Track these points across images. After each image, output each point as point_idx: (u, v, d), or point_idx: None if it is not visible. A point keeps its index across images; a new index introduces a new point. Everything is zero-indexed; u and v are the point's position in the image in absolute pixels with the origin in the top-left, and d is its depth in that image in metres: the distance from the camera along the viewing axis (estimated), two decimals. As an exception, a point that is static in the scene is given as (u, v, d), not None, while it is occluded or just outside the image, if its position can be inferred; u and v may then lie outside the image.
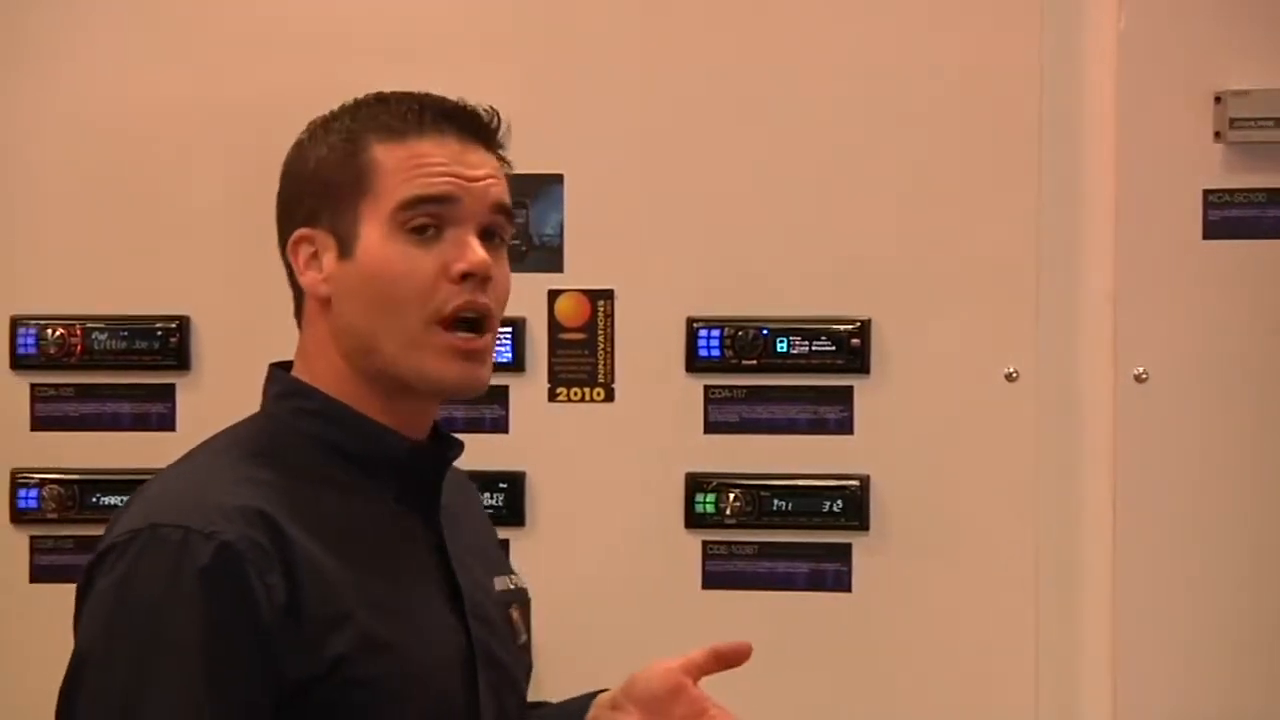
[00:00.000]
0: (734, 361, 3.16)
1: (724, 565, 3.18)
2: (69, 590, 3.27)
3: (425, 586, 1.84)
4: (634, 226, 3.17)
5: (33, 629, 3.23)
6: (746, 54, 3.14)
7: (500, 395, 3.16)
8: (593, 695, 2.02)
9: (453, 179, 1.80)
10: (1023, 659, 3.11)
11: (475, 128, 1.83)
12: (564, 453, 3.19)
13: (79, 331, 3.24)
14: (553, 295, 3.17)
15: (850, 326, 3.14)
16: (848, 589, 3.15)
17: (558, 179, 3.13)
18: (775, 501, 3.15)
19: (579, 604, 3.16)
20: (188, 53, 3.21)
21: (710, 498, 3.16)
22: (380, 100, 1.86)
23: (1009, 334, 3.11)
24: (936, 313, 3.12)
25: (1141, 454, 3.11)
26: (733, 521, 3.16)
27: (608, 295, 3.19)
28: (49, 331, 3.24)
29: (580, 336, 3.19)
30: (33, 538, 3.26)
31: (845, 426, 3.15)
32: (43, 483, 3.25)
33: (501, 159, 1.86)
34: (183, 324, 3.23)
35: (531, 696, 2.01)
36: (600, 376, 3.19)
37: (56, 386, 3.26)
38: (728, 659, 1.96)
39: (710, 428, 3.17)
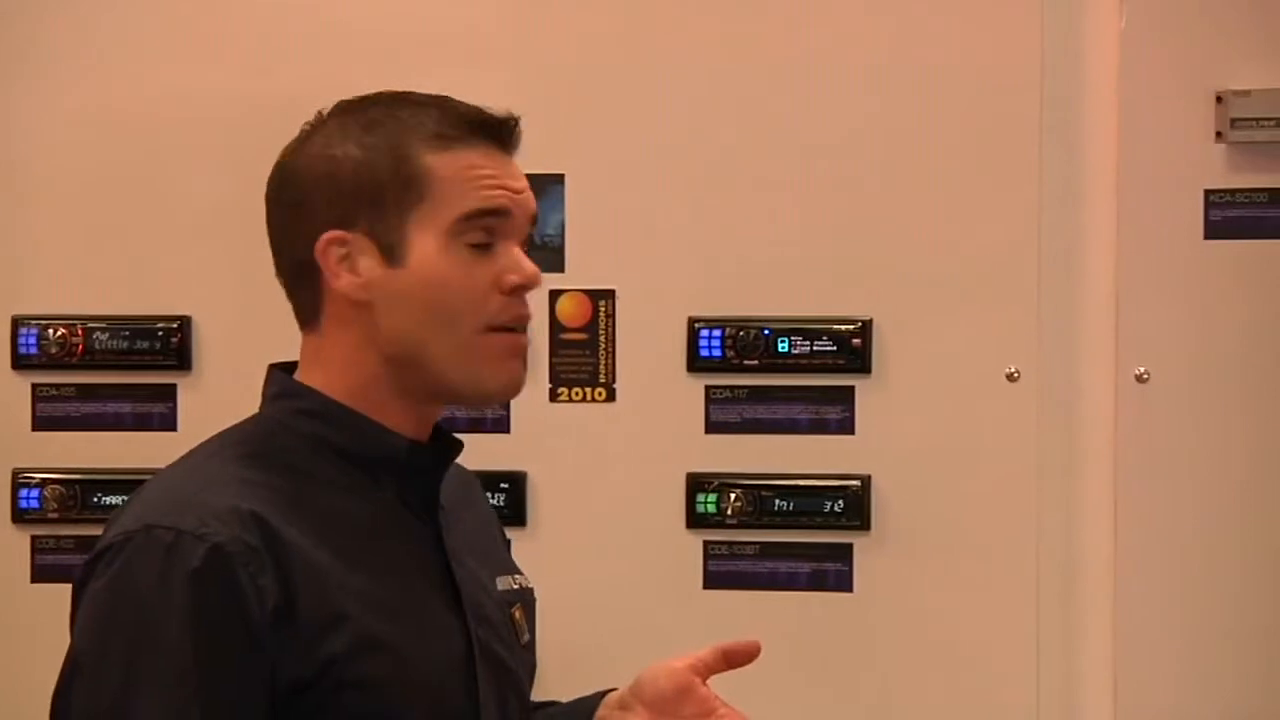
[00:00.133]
0: (735, 361, 3.16)
1: (725, 565, 3.18)
2: (70, 590, 3.27)
3: (425, 586, 1.84)
4: (635, 227, 3.17)
5: (34, 629, 3.22)
6: (747, 54, 3.14)
7: (501, 395, 3.16)
8: (601, 695, 2.02)
9: (505, 192, 1.82)
10: (1024, 659, 3.11)
11: (511, 138, 1.85)
12: (565, 453, 3.19)
13: (80, 331, 3.24)
14: (554, 295, 3.17)
15: (851, 326, 3.14)
16: (849, 589, 3.15)
17: (559, 179, 3.13)
18: (776, 501, 3.15)
19: (581, 604, 3.16)
20: (189, 53, 3.22)
21: (712, 498, 3.16)
22: (416, 103, 1.84)
23: (1010, 334, 3.11)
24: (938, 313, 3.12)
25: (1142, 454, 3.11)
26: (734, 521, 3.16)
27: (609, 295, 3.19)
28: (50, 331, 3.24)
29: (581, 337, 3.19)
30: (34, 537, 3.26)
31: (846, 426, 3.15)
32: (44, 483, 3.25)
33: None
34: (184, 324, 3.24)
35: (534, 697, 2.01)
36: (601, 377, 3.19)
37: (58, 386, 3.26)
38: (736, 658, 1.97)
39: (711, 428, 3.17)
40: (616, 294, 3.19)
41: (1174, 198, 3.11)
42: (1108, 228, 3.11)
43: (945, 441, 3.12)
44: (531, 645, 1.99)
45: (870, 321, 3.14)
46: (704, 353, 3.16)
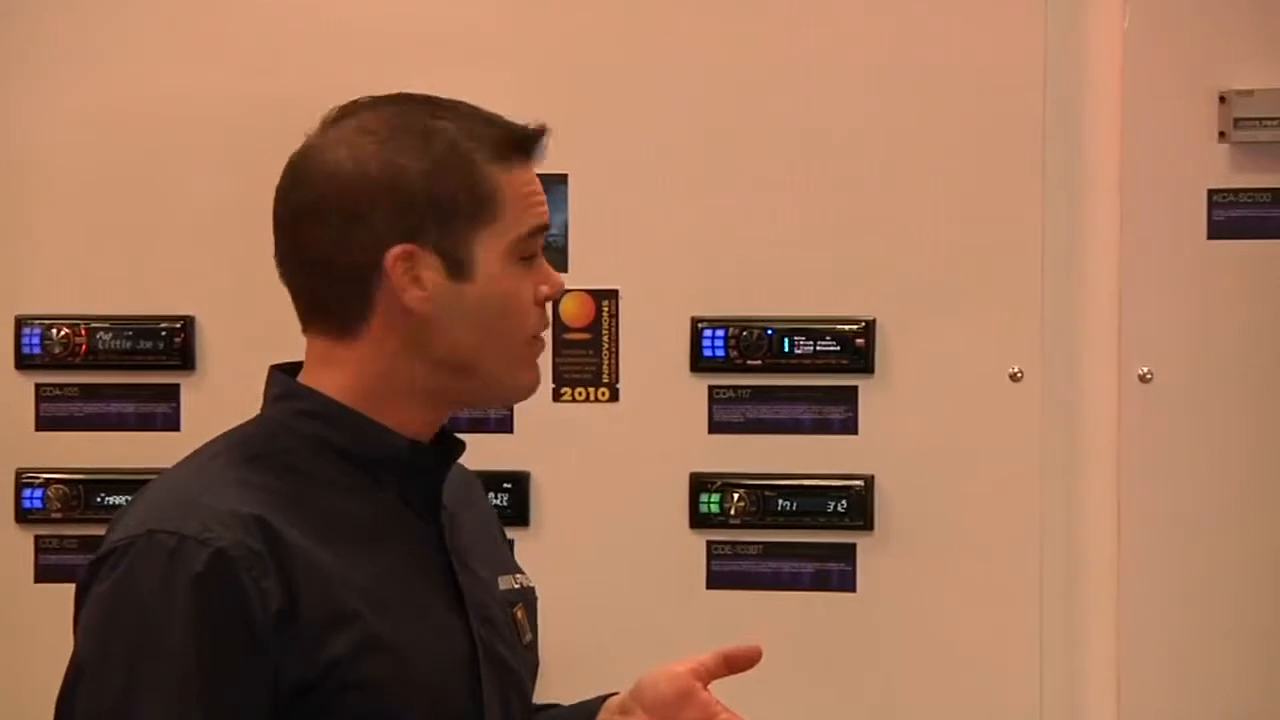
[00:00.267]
0: (738, 361, 3.16)
1: (728, 565, 3.18)
2: (74, 590, 3.27)
3: (427, 587, 1.84)
4: (638, 226, 3.17)
5: (38, 628, 3.23)
6: (750, 54, 3.14)
7: (505, 395, 3.16)
8: (602, 699, 2.02)
9: (546, 208, 1.87)
10: (1027, 659, 3.11)
11: (541, 151, 1.87)
12: (569, 453, 3.19)
13: (84, 331, 3.24)
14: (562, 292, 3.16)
15: (855, 326, 3.14)
16: (852, 589, 3.15)
17: (562, 179, 3.13)
18: (780, 501, 3.15)
19: (584, 604, 3.16)
20: (192, 53, 3.22)
21: (715, 498, 3.16)
22: (465, 114, 1.84)
23: (1013, 334, 3.11)
24: (941, 313, 3.12)
25: (1146, 454, 3.11)
26: (737, 521, 3.16)
27: (612, 295, 3.19)
28: (54, 331, 3.24)
29: (585, 337, 3.19)
30: (38, 537, 3.26)
31: (850, 426, 3.15)
32: (48, 483, 3.25)
33: None
34: (187, 324, 3.24)
35: (537, 697, 2.01)
36: (605, 376, 3.19)
37: (61, 386, 3.26)
38: (738, 663, 1.96)
39: (715, 428, 3.17)
40: (620, 294, 3.19)
41: (1177, 198, 3.10)
42: (1111, 228, 3.11)
43: (948, 441, 3.12)
44: (534, 645, 1.99)
45: (873, 321, 3.14)
46: (707, 353, 3.16)
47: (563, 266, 3.15)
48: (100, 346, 3.24)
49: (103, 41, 3.23)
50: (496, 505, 3.16)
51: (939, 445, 3.12)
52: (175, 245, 3.23)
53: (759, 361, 3.15)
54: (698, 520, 3.17)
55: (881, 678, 3.14)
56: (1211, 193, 3.11)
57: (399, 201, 1.79)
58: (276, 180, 1.90)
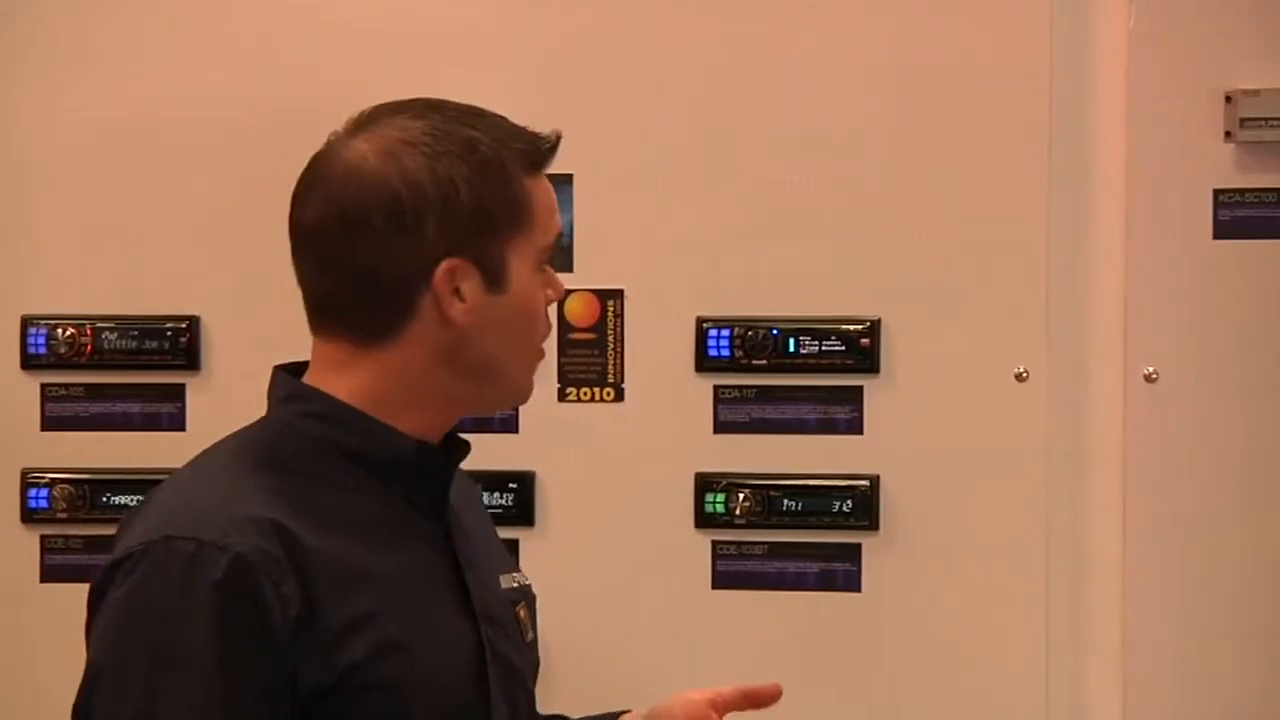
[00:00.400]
0: (744, 361, 3.16)
1: (734, 565, 3.17)
2: (80, 590, 3.27)
3: (436, 588, 1.84)
4: (643, 226, 3.17)
5: (44, 628, 3.23)
6: (755, 54, 3.14)
7: (510, 395, 3.16)
8: (613, 716, 2.03)
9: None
10: (1033, 659, 3.11)
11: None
12: (573, 453, 3.19)
13: (89, 331, 3.24)
14: (562, 295, 3.16)
15: (860, 326, 3.14)
16: (857, 589, 3.15)
17: (567, 179, 3.13)
18: (785, 501, 3.15)
19: (588, 604, 3.16)
20: (198, 53, 3.22)
21: (720, 497, 3.16)
22: (494, 122, 1.84)
23: (1019, 334, 3.11)
24: (946, 313, 3.12)
25: (1151, 454, 3.10)
26: (742, 521, 3.16)
27: (617, 295, 3.19)
28: (59, 331, 3.25)
29: (590, 336, 3.19)
30: (43, 537, 3.27)
31: (855, 426, 3.15)
32: (53, 482, 3.25)
33: None
34: (193, 324, 3.24)
35: (542, 697, 2.01)
36: (610, 376, 3.19)
37: (67, 386, 3.26)
38: (759, 699, 1.98)
39: (720, 427, 3.17)
40: (625, 294, 3.19)
41: (1183, 197, 3.10)
42: (1116, 228, 3.10)
43: (954, 442, 3.12)
44: (535, 643, 1.99)
45: (878, 321, 3.14)
46: (712, 352, 3.16)
47: (568, 267, 3.16)
48: (106, 346, 3.24)
49: (108, 41, 3.23)
50: (501, 505, 3.18)
51: (944, 445, 3.12)
52: (181, 245, 3.23)
53: (764, 361, 3.15)
54: (703, 520, 3.17)
55: (886, 678, 3.14)
56: (1217, 192, 3.10)
57: (449, 214, 1.79)
58: (282, 180, 1.90)
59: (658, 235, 3.17)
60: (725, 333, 3.16)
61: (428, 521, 1.86)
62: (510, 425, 3.17)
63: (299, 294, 1.86)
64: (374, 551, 1.79)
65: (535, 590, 2.00)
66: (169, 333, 3.24)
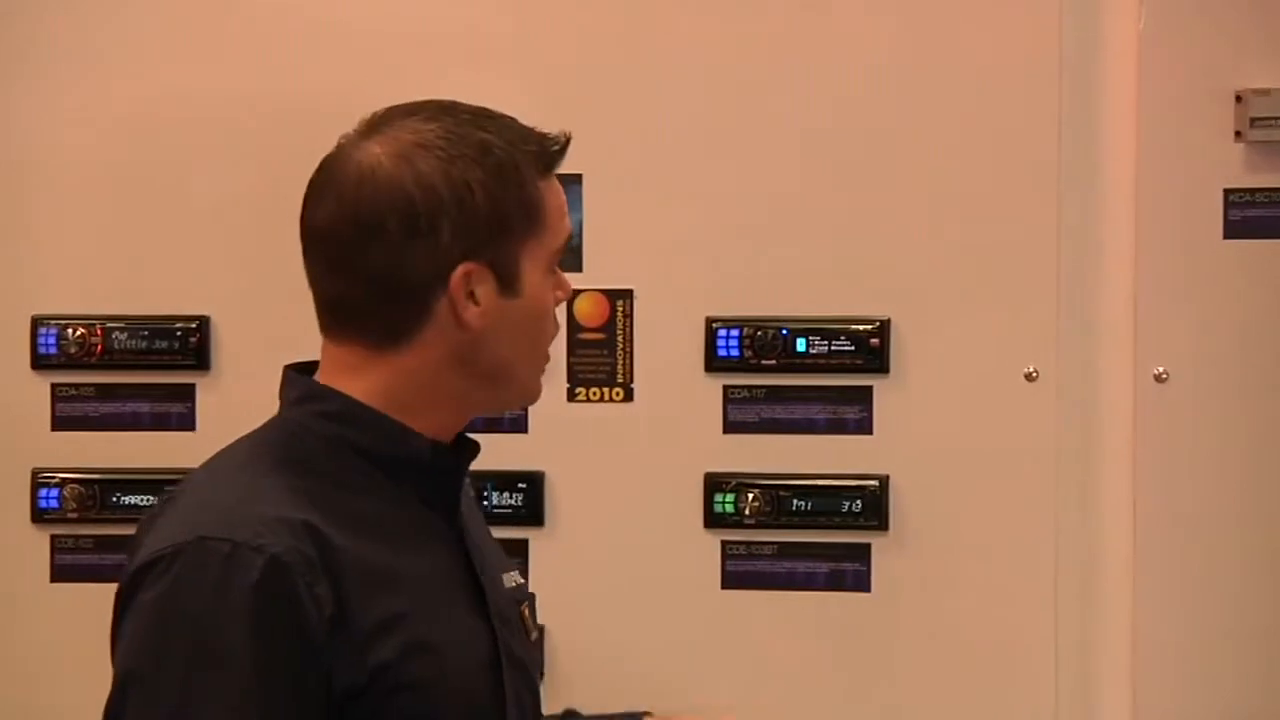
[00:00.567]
0: (753, 361, 3.16)
1: (743, 565, 3.17)
2: (90, 589, 3.29)
3: (454, 588, 1.85)
4: (653, 226, 3.17)
5: (54, 628, 3.24)
6: (763, 54, 3.14)
7: (519, 395, 3.16)
8: (635, 715, 2.03)
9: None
10: (1042, 659, 3.11)
11: None
12: (583, 453, 3.19)
13: (99, 331, 3.25)
14: (571, 295, 3.16)
15: (869, 326, 3.14)
16: (867, 589, 3.15)
17: (576, 179, 3.13)
18: (794, 501, 3.15)
19: (598, 604, 3.16)
20: (208, 52, 3.22)
21: (729, 498, 3.16)
22: (505, 124, 1.84)
23: (1029, 334, 3.10)
24: (956, 313, 3.12)
25: (1161, 454, 3.10)
26: (752, 521, 3.16)
27: (627, 295, 3.19)
28: (69, 331, 3.25)
29: (599, 336, 3.19)
30: (54, 537, 3.27)
31: (864, 426, 3.15)
32: (64, 482, 3.26)
33: None
34: (202, 324, 3.24)
35: (550, 696, 2.02)
36: (619, 376, 3.19)
37: (77, 386, 3.27)
38: None
39: (729, 427, 3.17)
40: (634, 294, 3.19)
41: (1193, 197, 3.10)
42: (1127, 227, 3.10)
43: (963, 442, 3.12)
44: (539, 642, 2.00)
45: (888, 321, 3.14)
46: (722, 352, 3.16)
47: (577, 267, 3.16)
48: (116, 346, 3.25)
49: (118, 41, 3.24)
50: (511, 505, 3.18)
51: (954, 445, 3.12)
52: (190, 245, 3.23)
53: (773, 361, 3.15)
54: (712, 520, 3.17)
55: (896, 677, 3.14)
56: (1228, 192, 3.10)
57: (464, 218, 1.78)
58: (293, 180, 1.90)
59: (667, 235, 3.17)
60: (735, 333, 3.16)
61: (441, 522, 1.86)
62: (520, 425, 3.18)
63: (309, 295, 1.86)
64: (397, 552, 1.79)
65: (543, 589, 2.01)
66: (179, 333, 3.24)
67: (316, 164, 1.83)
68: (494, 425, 3.11)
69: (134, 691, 1.69)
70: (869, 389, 3.15)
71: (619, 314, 3.19)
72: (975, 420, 3.12)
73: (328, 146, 1.84)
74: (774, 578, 3.17)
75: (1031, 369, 3.11)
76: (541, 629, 3.09)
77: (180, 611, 1.68)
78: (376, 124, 1.83)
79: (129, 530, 3.27)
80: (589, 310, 3.19)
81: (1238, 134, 3.08)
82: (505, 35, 3.18)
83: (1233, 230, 3.10)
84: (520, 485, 3.18)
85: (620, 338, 3.19)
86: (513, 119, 1.85)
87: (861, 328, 3.14)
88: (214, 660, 1.66)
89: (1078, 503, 3.11)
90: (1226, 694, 3.11)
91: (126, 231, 3.24)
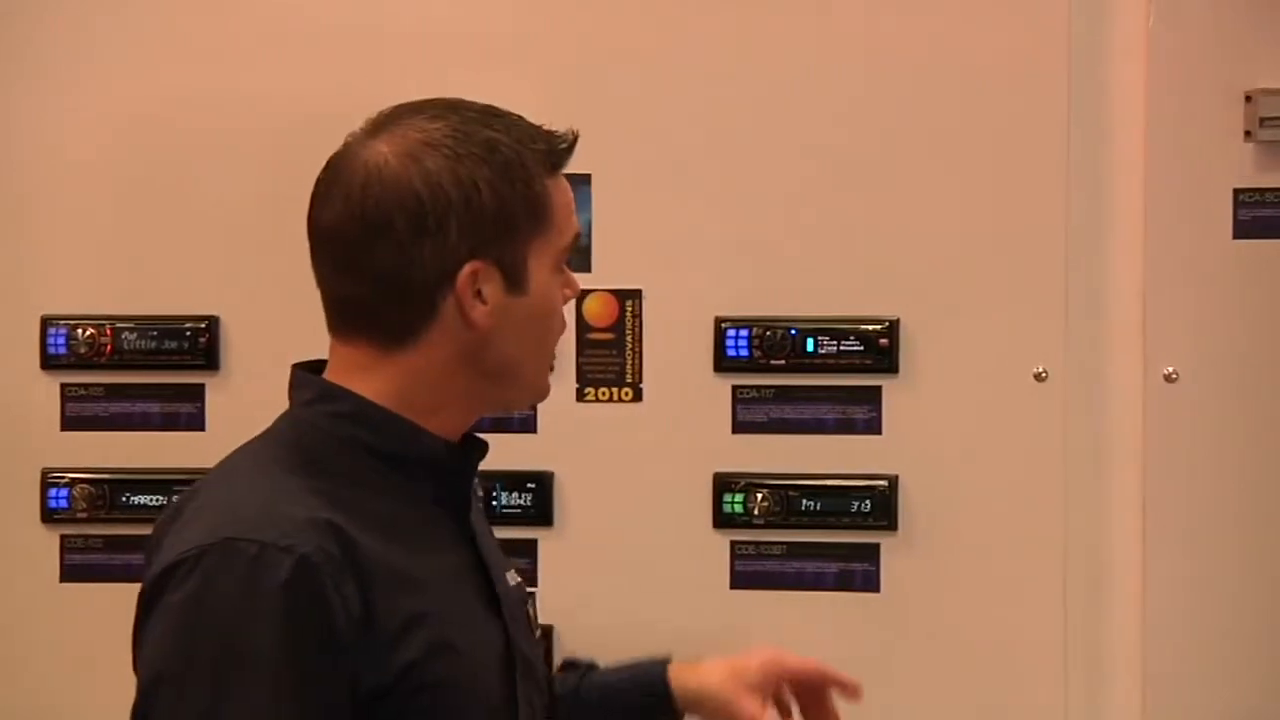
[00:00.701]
0: (762, 361, 3.16)
1: (752, 565, 3.17)
2: (99, 589, 3.29)
3: (467, 588, 1.85)
4: (662, 226, 3.17)
5: (63, 628, 3.24)
6: (774, 53, 3.14)
7: (528, 395, 3.16)
8: (656, 662, 2.04)
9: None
10: (1051, 659, 3.11)
11: None
12: (592, 453, 3.19)
13: (109, 331, 3.25)
14: (581, 295, 3.16)
15: (878, 326, 3.14)
16: (876, 589, 3.15)
17: (585, 179, 3.13)
18: (803, 501, 3.15)
19: (606, 604, 3.16)
20: (217, 52, 3.22)
21: (738, 498, 3.16)
22: (512, 122, 1.84)
23: (1038, 334, 3.10)
24: (965, 313, 3.12)
25: (1171, 454, 3.10)
26: (761, 521, 3.16)
27: (636, 295, 3.19)
28: (79, 331, 3.25)
29: (608, 336, 3.19)
30: (63, 537, 3.27)
31: (873, 426, 3.15)
32: (73, 482, 3.26)
33: None
34: (212, 324, 3.24)
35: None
36: (628, 376, 3.19)
37: (86, 386, 3.27)
38: (838, 685, 2.05)
39: (738, 428, 3.17)
40: (643, 294, 3.19)
41: (1202, 197, 3.10)
42: (1135, 228, 3.10)
43: (972, 442, 3.12)
44: (542, 641, 2.00)
45: (897, 321, 3.14)
46: (731, 352, 3.16)
47: (586, 267, 3.16)
48: (125, 346, 3.25)
49: (129, 40, 3.24)
50: (520, 505, 3.18)
51: (963, 445, 3.12)
52: (200, 245, 3.23)
53: (782, 361, 3.15)
54: (721, 520, 3.17)
55: (905, 678, 3.14)
56: (1237, 192, 3.10)
57: (471, 217, 1.78)
58: (302, 180, 1.90)
59: (676, 235, 3.17)
60: (744, 333, 3.16)
61: (452, 522, 1.86)
62: (529, 425, 3.18)
63: (318, 294, 1.86)
64: (415, 552, 1.79)
65: (551, 589, 2.01)
66: (188, 333, 3.24)
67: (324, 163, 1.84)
68: (503, 425, 3.11)
69: (163, 693, 1.68)
70: (878, 389, 3.15)
71: (628, 314, 3.19)
72: (984, 420, 3.11)
73: (336, 146, 1.84)
74: (783, 578, 3.17)
75: (1040, 369, 3.11)
76: (550, 629, 3.10)
77: (209, 612, 1.68)
78: (383, 122, 1.83)
79: (138, 530, 3.29)
80: (598, 310, 3.19)
81: (1247, 134, 3.08)
82: (514, 35, 3.18)
83: (1242, 230, 3.10)
84: (529, 485, 3.19)
85: (629, 338, 3.19)
86: (520, 117, 1.85)
87: (870, 328, 3.14)
88: (244, 661, 1.66)
89: (1087, 503, 3.11)
90: (1237, 694, 3.11)
91: (136, 232, 3.25)
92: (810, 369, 3.15)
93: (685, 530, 3.18)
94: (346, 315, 1.83)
